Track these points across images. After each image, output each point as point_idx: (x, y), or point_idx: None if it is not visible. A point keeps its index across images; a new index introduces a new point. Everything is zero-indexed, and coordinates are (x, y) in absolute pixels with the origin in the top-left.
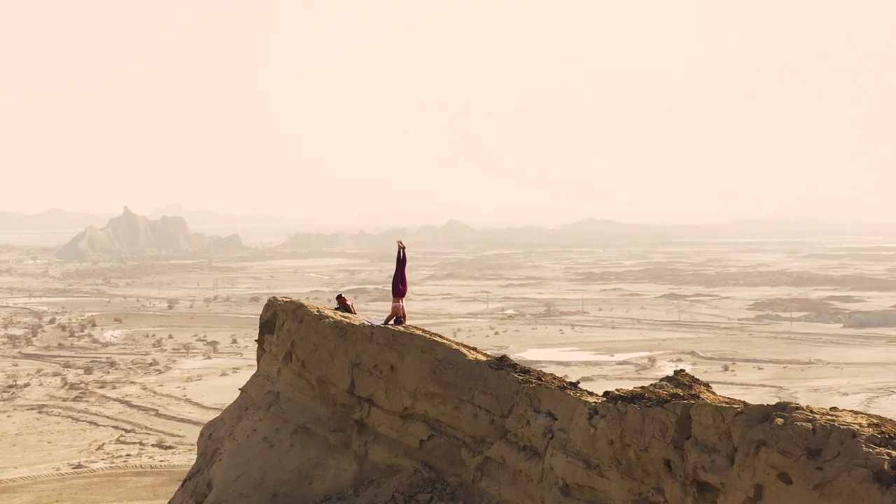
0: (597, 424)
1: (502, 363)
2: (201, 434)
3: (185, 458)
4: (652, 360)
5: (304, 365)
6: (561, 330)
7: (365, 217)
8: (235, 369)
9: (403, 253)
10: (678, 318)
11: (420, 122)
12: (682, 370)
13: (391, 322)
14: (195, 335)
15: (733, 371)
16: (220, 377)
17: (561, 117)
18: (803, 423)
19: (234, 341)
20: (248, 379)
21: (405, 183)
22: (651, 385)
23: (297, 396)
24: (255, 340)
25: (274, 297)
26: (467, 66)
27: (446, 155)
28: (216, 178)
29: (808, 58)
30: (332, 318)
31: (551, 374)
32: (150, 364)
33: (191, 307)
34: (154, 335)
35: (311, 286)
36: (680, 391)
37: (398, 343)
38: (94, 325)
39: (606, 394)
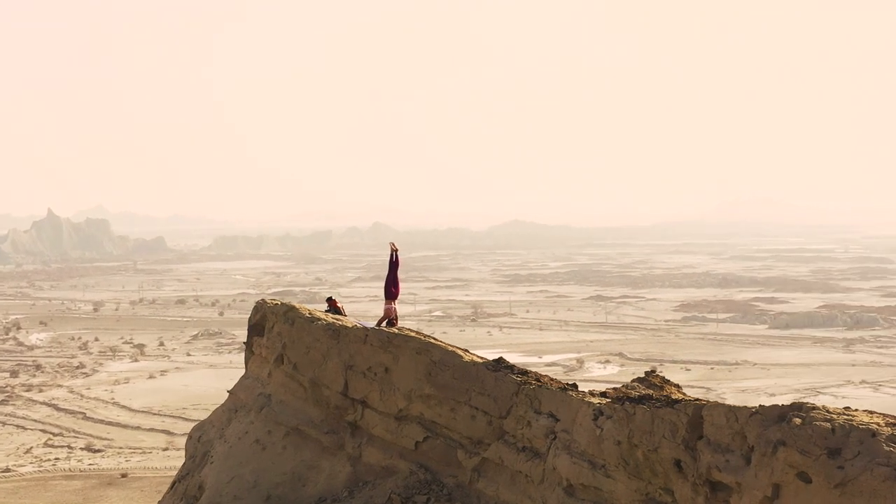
0: (603, 425)
1: (499, 365)
2: (189, 437)
3: (114, 462)
4: (580, 361)
5: (296, 367)
6: (489, 332)
7: (290, 219)
8: (163, 372)
9: (396, 255)
10: (605, 320)
11: (352, 125)
12: (653, 371)
13: (384, 324)
14: (122, 338)
15: (661, 372)
16: (147, 380)
17: (487, 120)
18: (822, 423)
19: (161, 344)
20: (173, 380)
21: (331, 185)
22: (622, 386)
23: (288, 398)
24: (243, 343)
25: (263, 300)
26: (402, 68)
27: (374, 157)
28: (139, 179)
29: (737, 64)
30: (325, 320)
31: (547, 376)
32: (77, 367)
33: (116, 310)
34: (80, 338)
35: (237, 288)
36: (652, 392)
37: (393, 345)
38: (18, 328)
39: (603, 394)
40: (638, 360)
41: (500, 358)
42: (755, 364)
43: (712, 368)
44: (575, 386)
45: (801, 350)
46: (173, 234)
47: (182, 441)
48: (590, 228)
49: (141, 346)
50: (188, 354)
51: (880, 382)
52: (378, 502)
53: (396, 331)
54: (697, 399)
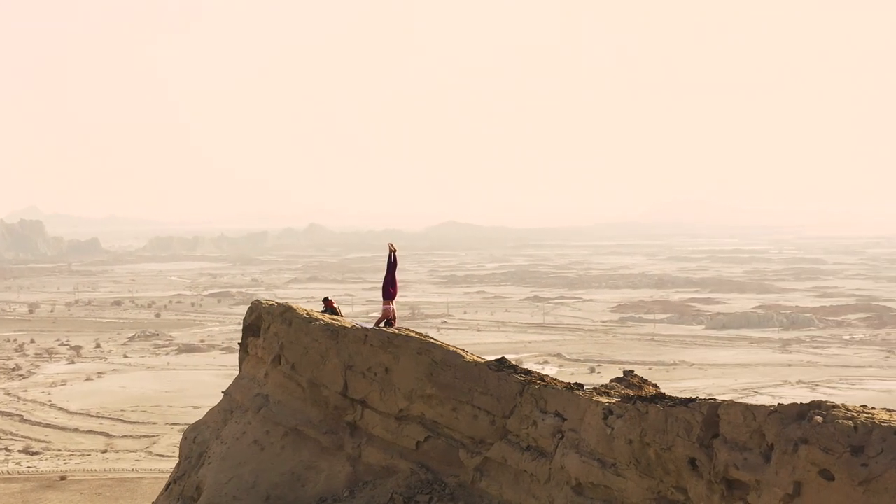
0: (613, 424)
1: (502, 364)
2: (184, 437)
3: (53, 464)
4: (519, 362)
5: (294, 367)
6: (426, 333)
7: (225, 220)
8: (100, 374)
9: (394, 256)
10: (543, 321)
11: (287, 126)
12: (632, 371)
13: (382, 325)
14: (58, 340)
15: (599, 373)
16: (84, 382)
17: (423, 120)
18: (844, 421)
19: (98, 346)
20: (111, 382)
21: (267, 186)
22: (602, 386)
23: (286, 399)
24: (238, 343)
25: (258, 300)
26: (341, 69)
27: (309, 158)
28: (74, 180)
29: (669, 67)
30: (323, 320)
31: (548, 376)
32: (13, 369)
33: (52, 311)
34: (15, 340)
35: (173, 290)
36: (630, 391)
37: (393, 345)
38: None
39: (606, 394)
40: (576, 360)
41: (503, 358)
42: (693, 364)
43: (650, 369)
44: (581, 386)
45: (738, 350)
46: (108, 235)
47: (121, 443)
48: (526, 229)
49: (77, 348)
50: (125, 356)
51: (817, 382)
52: (380, 502)
53: (396, 331)
54: (713, 398)
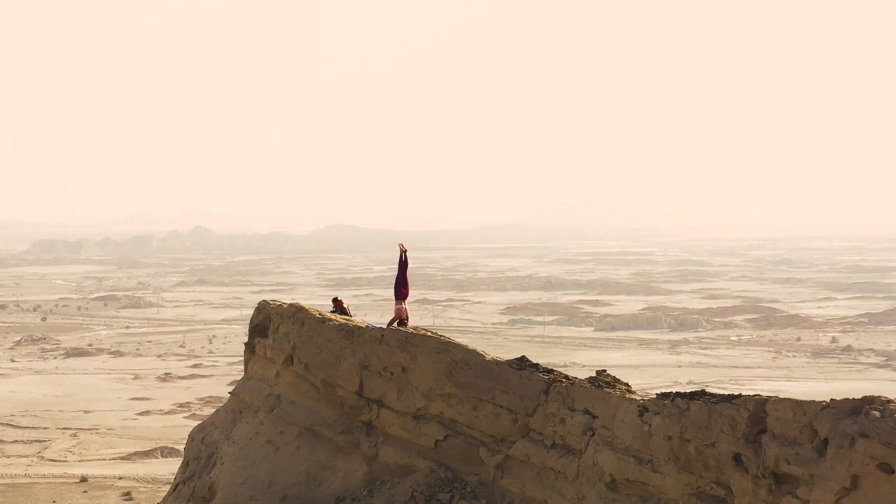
0: (650, 421)
1: (523, 363)
2: (191, 438)
3: None
4: None
5: (307, 367)
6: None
7: (109, 223)
8: None
9: (405, 256)
10: (433, 323)
11: (179, 127)
12: (604, 370)
13: (394, 325)
14: None
15: None
16: None
17: (307, 122)
18: None
19: None
20: (15, 387)
21: (151, 189)
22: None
23: (299, 399)
24: (244, 344)
25: (265, 301)
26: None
27: (194, 160)
28: None
29: (556, 67)
30: (336, 321)
31: (573, 376)
32: None
33: None
34: None
35: (58, 293)
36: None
37: (410, 345)
38: None
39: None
40: None
41: (523, 357)
42: (584, 366)
43: None
44: (609, 383)
45: (628, 352)
46: None
47: (12, 448)
48: (413, 232)
49: None
50: (12, 361)
51: (707, 383)
52: (400, 500)
53: (412, 331)
54: (758, 394)
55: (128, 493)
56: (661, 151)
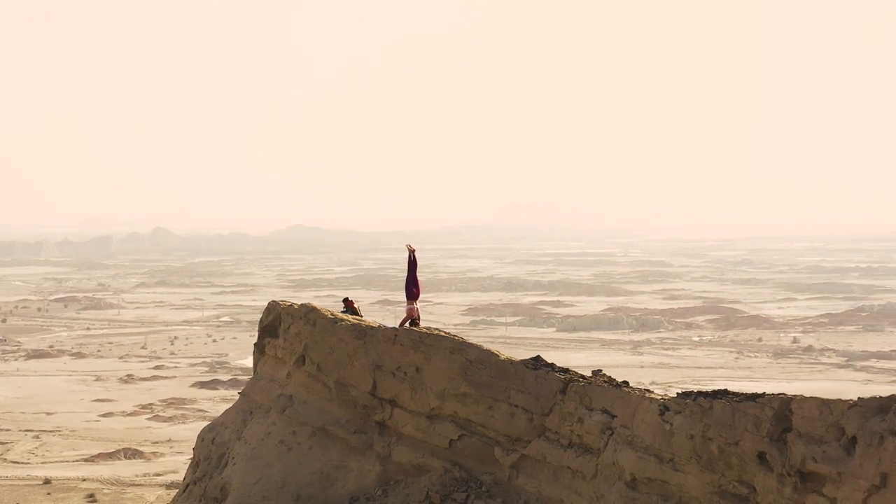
0: (672, 420)
1: (539, 363)
2: (201, 438)
3: None
4: None
5: (319, 368)
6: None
7: (68, 224)
8: None
9: (414, 256)
10: (396, 324)
11: (139, 128)
12: (600, 370)
13: (406, 325)
14: None
15: None
16: None
17: (268, 122)
18: None
19: None
20: None
21: (111, 189)
22: None
23: (312, 399)
24: (254, 344)
25: (275, 301)
26: (203, 71)
27: (156, 162)
28: None
29: (517, 70)
30: (349, 321)
31: (589, 375)
32: None
33: None
34: None
35: (17, 295)
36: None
37: (424, 345)
38: None
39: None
40: None
41: (538, 357)
42: None
43: None
44: (626, 383)
45: (590, 352)
46: None
47: None
48: (374, 233)
49: None
50: None
51: (669, 383)
52: (416, 500)
53: (425, 331)
54: (783, 393)
55: (91, 495)
56: (619, 153)
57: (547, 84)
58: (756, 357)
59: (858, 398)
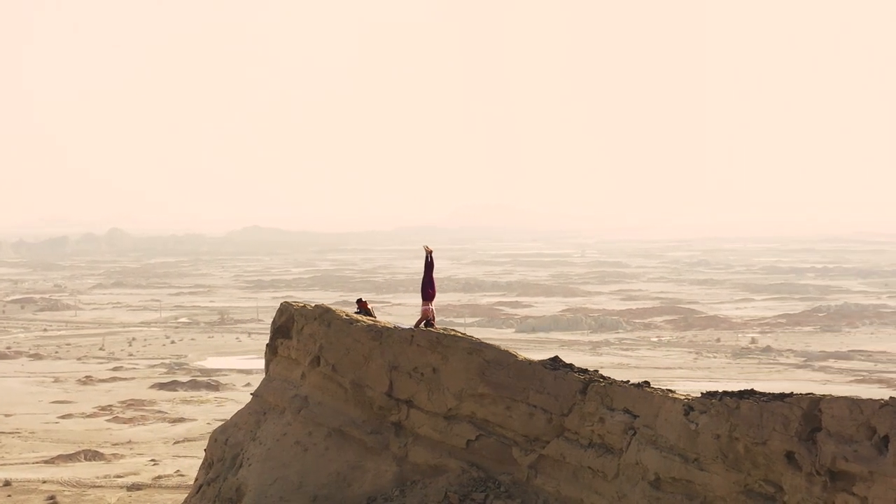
0: (697, 420)
1: (557, 363)
2: (214, 439)
3: None
4: None
5: (335, 368)
6: (238, 338)
7: (23, 225)
8: None
9: (431, 257)
10: None
11: (94, 128)
12: (597, 370)
13: (421, 325)
14: None
15: None
16: None
17: (224, 121)
18: None
19: None
20: None
21: (67, 189)
22: None
23: (327, 400)
24: (266, 345)
25: (287, 302)
26: (161, 68)
27: (110, 163)
28: None
29: (470, 71)
30: (364, 322)
31: (608, 376)
32: None
33: None
34: None
35: None
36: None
37: (441, 345)
38: None
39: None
40: None
41: (556, 357)
42: None
43: None
44: (648, 383)
45: (549, 353)
46: None
47: None
48: (330, 234)
49: None
50: None
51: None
52: (434, 500)
53: (441, 331)
54: (810, 393)
55: (52, 497)
56: (575, 154)
57: (499, 86)
58: (715, 357)
59: (890, 397)
